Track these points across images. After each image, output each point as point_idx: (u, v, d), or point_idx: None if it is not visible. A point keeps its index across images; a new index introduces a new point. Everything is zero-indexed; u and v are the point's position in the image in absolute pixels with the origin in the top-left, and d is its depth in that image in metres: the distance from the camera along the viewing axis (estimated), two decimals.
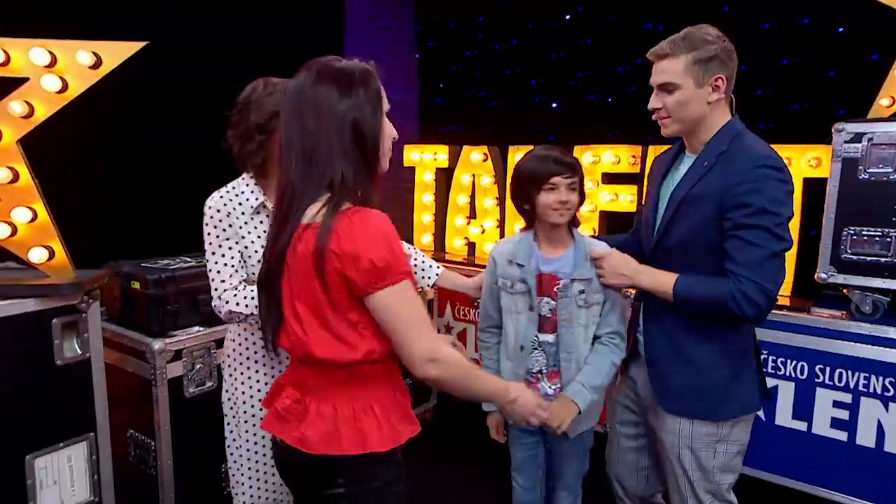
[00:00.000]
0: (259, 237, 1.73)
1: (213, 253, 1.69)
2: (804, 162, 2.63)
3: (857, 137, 2.35)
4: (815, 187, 2.62)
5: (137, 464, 2.37)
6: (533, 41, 4.30)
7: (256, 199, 1.72)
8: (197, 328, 2.40)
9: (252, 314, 1.64)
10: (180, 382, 2.30)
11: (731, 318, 1.56)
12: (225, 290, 1.66)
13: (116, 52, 2.01)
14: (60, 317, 2.05)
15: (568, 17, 4.13)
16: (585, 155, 3.06)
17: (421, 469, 2.01)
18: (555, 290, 1.76)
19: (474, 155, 3.50)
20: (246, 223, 1.71)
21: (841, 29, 3.29)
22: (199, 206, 1.73)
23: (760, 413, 2.55)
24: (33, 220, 2.04)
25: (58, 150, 2.50)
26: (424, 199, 3.76)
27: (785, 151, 2.64)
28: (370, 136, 1.23)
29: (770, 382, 2.52)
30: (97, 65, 2.00)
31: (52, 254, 2.06)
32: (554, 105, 4.27)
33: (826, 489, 2.44)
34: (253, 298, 1.62)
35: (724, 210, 1.53)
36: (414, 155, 3.76)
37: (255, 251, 1.72)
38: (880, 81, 2.81)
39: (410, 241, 3.29)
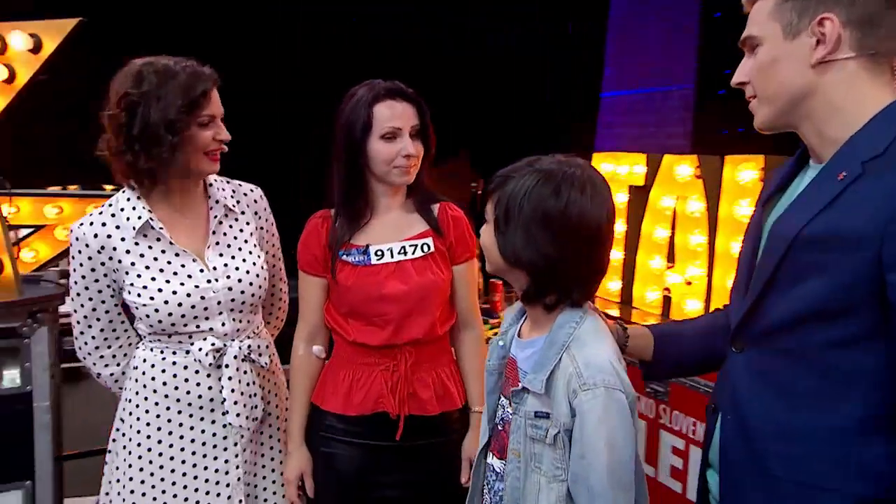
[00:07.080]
0: (149, 267, 1.39)
1: (79, 295, 1.42)
2: None
3: None
4: None
5: None
6: None
7: (139, 217, 1.39)
8: None
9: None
10: None
11: None
12: (89, 352, 1.47)
13: (55, 31, 1.68)
14: None
15: None
16: None
17: None
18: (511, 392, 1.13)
19: (682, 168, 2.10)
20: (128, 251, 1.39)
21: None
22: None
23: None
24: None
25: None
26: (616, 228, 2.45)
27: None
28: None
29: None
30: (38, 48, 1.71)
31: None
32: None
33: None
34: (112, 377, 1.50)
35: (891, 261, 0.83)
36: (605, 166, 2.49)
37: (150, 281, 1.38)
38: None
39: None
